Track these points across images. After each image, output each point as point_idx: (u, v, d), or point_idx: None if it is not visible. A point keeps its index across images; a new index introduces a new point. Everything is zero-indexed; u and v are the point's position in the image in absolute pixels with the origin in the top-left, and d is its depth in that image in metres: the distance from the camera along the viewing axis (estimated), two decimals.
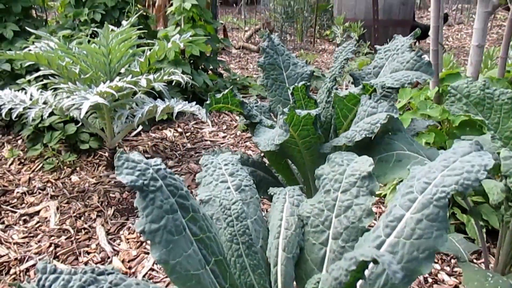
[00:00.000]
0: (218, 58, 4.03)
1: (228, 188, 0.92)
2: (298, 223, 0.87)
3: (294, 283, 0.85)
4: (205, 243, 0.75)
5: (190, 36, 2.61)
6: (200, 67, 3.82)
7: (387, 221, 0.71)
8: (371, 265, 0.72)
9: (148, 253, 2.05)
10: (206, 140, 3.24)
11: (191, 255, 0.72)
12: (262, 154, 1.45)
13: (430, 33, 2.61)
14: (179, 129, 3.40)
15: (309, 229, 0.86)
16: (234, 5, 9.18)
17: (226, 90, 1.16)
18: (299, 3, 6.35)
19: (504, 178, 0.81)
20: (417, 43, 5.95)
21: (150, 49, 2.49)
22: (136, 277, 1.88)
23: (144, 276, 1.90)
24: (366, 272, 0.73)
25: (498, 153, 0.97)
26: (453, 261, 1.82)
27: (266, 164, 1.40)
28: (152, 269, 1.95)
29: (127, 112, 2.41)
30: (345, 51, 1.34)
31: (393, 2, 5.37)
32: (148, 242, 1.95)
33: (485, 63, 3.11)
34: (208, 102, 1.17)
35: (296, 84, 1.24)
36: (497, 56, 3.10)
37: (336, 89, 1.28)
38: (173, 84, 3.39)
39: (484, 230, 1.87)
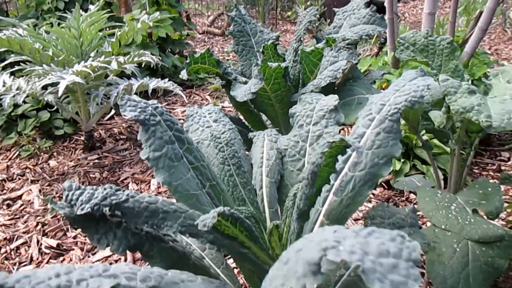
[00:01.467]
0: (184, 41, 4.11)
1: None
2: (277, 155, 1.01)
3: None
4: (200, 170, 0.87)
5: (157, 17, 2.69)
6: (167, 50, 3.89)
7: (352, 138, 0.86)
8: (341, 175, 0.87)
9: None
10: (179, 119, 3.34)
11: (189, 178, 0.84)
12: (238, 113, 1.58)
13: (386, 4, 2.78)
14: None
15: (287, 159, 1.00)
16: None
17: (203, 50, 1.28)
18: None
19: (444, 100, 0.96)
20: None
21: (119, 31, 2.56)
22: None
23: None
24: (337, 182, 0.88)
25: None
26: (412, 196, 2.03)
27: (243, 121, 1.54)
28: None
29: (102, 92, 2.48)
30: (308, 14, 1.48)
31: None
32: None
33: (437, 31, 3.32)
34: (187, 61, 1.28)
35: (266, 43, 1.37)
36: (447, 23, 3.31)
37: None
38: (143, 66, 3.46)
39: (442, 177, 2.08)
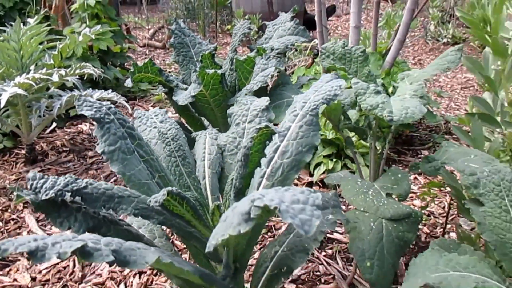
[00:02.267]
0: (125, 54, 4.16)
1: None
2: (218, 150, 1.15)
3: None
4: (150, 163, 0.99)
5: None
6: (108, 63, 3.93)
7: (280, 132, 1.02)
8: (272, 162, 1.02)
9: None
10: None
11: (141, 170, 0.96)
12: (181, 119, 1.71)
13: (316, 18, 3.02)
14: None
15: (226, 153, 1.14)
16: (135, 4, 9.17)
17: (146, 60, 1.40)
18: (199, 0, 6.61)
19: (356, 99, 1.15)
20: (311, 33, 6.49)
21: (61, 44, 2.60)
22: None
23: None
24: (269, 169, 1.03)
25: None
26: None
27: (185, 125, 1.66)
28: None
29: (44, 104, 2.51)
30: (242, 27, 1.64)
31: None
32: None
33: (363, 42, 3.62)
34: (132, 70, 1.39)
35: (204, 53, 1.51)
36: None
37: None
38: (85, 79, 3.48)
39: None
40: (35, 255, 0.57)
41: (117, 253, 0.66)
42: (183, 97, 1.35)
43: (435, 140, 2.99)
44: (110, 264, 0.64)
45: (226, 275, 0.99)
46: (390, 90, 2.32)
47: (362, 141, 2.39)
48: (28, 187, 0.82)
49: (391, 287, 1.26)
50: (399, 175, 1.36)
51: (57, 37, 2.82)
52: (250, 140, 0.82)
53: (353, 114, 1.39)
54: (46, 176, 0.82)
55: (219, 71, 1.31)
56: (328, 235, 2.05)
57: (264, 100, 1.14)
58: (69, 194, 0.81)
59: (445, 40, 6.23)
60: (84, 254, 0.61)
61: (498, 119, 1.62)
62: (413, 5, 2.54)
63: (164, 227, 1.17)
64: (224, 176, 1.13)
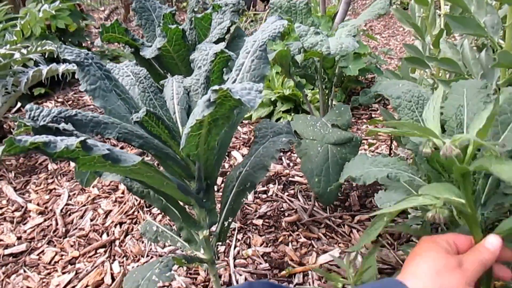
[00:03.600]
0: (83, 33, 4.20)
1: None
2: (184, 91, 1.32)
3: None
4: (126, 101, 1.16)
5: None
6: (67, 42, 3.97)
7: (235, 68, 1.20)
8: None
9: (60, 195, 2.32)
10: (89, 105, 3.49)
11: (119, 105, 1.13)
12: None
13: None
14: (60, 99, 3.58)
15: (192, 93, 1.32)
16: None
17: (113, 21, 1.54)
18: None
19: (300, 41, 1.34)
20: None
21: (22, 21, 2.66)
22: (54, 213, 2.17)
23: (61, 210, 2.19)
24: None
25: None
26: None
27: None
28: (67, 204, 2.24)
29: (11, 80, 2.59)
30: None
31: None
32: (57, 184, 2.25)
33: (315, 7, 3.83)
34: (100, 30, 1.53)
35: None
36: None
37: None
38: (46, 58, 3.53)
39: None
40: (48, 146, 0.74)
41: (111, 151, 0.84)
42: (149, 51, 1.51)
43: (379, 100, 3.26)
44: (105, 157, 0.81)
45: (199, 189, 1.18)
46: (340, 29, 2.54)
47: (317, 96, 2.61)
48: (27, 116, 0.97)
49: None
50: (342, 109, 1.58)
51: (18, 15, 2.87)
52: (210, 63, 1.01)
53: (300, 58, 1.60)
54: (41, 107, 0.98)
55: (181, 26, 1.47)
56: (290, 178, 2.27)
57: (221, 45, 1.32)
58: (63, 120, 0.97)
59: (394, 6, 6.52)
60: (85, 147, 0.78)
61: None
62: None
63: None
64: (191, 112, 1.31)
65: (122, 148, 2.67)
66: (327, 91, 1.71)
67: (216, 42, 1.49)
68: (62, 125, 0.99)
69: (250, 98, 0.72)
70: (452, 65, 1.53)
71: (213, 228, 1.29)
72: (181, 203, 1.24)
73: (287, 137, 1.32)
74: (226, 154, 2.57)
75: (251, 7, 4.53)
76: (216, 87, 0.73)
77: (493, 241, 0.73)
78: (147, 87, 1.17)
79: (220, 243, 1.34)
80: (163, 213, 2.04)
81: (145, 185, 1.19)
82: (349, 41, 1.31)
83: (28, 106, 0.98)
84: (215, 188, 2.13)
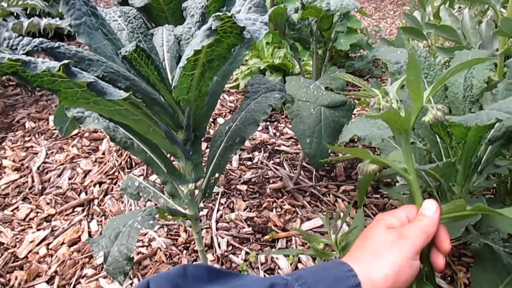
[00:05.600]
0: None
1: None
2: (175, 39, 1.26)
3: None
4: (113, 41, 1.09)
5: None
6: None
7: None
8: None
9: (37, 153, 2.24)
10: None
11: (106, 44, 1.06)
12: None
13: None
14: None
15: (183, 42, 1.25)
16: None
17: None
18: None
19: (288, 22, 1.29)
20: None
21: None
22: (30, 171, 2.08)
23: (38, 168, 2.11)
24: None
25: None
26: None
27: None
28: (44, 162, 2.16)
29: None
30: None
31: None
32: (35, 142, 2.16)
33: None
34: None
35: None
36: None
37: None
38: (28, 13, 3.39)
39: None
40: (28, 65, 0.68)
41: (96, 82, 0.78)
42: (138, 2, 1.44)
43: (373, 73, 3.22)
44: (90, 88, 0.75)
45: (187, 140, 1.12)
46: None
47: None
48: (5, 45, 0.90)
49: None
50: (337, 72, 1.54)
51: None
52: (204, 6, 0.95)
53: (296, 17, 1.54)
54: (20, 37, 0.90)
55: None
56: (276, 147, 2.23)
57: None
58: (44, 52, 0.90)
59: None
60: (68, 72, 0.72)
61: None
62: None
63: None
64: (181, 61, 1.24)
65: None
66: (321, 55, 1.66)
67: None
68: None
69: (255, 29, 0.67)
70: (451, 33, 1.49)
71: (199, 183, 1.25)
72: (167, 155, 1.19)
73: (280, 94, 1.27)
74: (212, 121, 2.51)
75: None
76: (219, 13, 0.68)
77: (429, 206, 0.68)
78: (136, 28, 1.10)
79: (204, 202, 1.29)
80: (146, 167, 1.98)
81: (130, 132, 1.13)
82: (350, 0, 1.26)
83: (6, 34, 0.91)
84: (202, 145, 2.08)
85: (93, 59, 0.96)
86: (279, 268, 1.49)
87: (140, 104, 0.91)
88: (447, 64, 1.64)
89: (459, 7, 2.19)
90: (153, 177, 2.00)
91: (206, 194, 1.26)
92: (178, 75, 0.85)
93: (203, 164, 1.23)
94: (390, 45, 1.78)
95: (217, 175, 1.25)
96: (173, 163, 1.19)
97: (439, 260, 0.68)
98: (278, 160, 2.13)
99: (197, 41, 0.72)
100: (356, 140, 1.77)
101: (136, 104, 0.92)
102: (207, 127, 2.45)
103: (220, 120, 2.53)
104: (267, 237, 1.61)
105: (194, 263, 1.54)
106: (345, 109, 1.43)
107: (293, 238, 1.62)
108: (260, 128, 2.41)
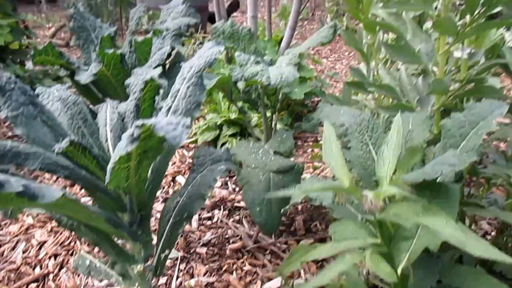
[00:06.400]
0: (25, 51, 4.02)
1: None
2: (119, 117, 1.27)
3: None
4: (53, 128, 1.09)
5: None
6: (7, 60, 3.79)
7: (170, 94, 1.17)
8: None
9: None
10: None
11: (45, 133, 1.06)
12: (86, 101, 1.79)
13: (215, 11, 3.19)
14: None
15: (126, 119, 1.27)
16: (33, 3, 8.72)
17: (46, 43, 1.47)
18: None
19: (235, 83, 1.34)
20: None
21: None
22: None
23: None
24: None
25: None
26: None
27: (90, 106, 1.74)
28: None
29: None
30: (137, 11, 1.76)
31: None
32: None
33: (262, 32, 3.88)
34: (32, 53, 1.46)
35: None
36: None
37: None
38: None
39: None
40: None
41: (26, 187, 0.77)
42: (85, 76, 1.45)
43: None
44: (21, 195, 0.74)
45: (132, 222, 1.12)
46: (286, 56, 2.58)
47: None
48: None
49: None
50: (284, 136, 1.58)
51: None
52: (140, 91, 0.97)
53: (241, 85, 1.59)
54: None
55: (119, 51, 1.42)
56: (235, 203, 2.24)
57: (158, 70, 1.28)
58: None
59: (339, 31, 6.75)
60: None
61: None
62: None
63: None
64: None
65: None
66: (270, 117, 1.70)
67: (156, 67, 1.45)
68: None
69: (175, 135, 0.69)
70: (390, 91, 1.56)
71: (149, 262, 1.23)
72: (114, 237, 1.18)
73: (226, 165, 1.29)
74: (171, 179, 2.50)
75: (200, 30, 4.53)
76: (140, 122, 0.69)
77: None
78: (75, 114, 1.11)
79: (157, 277, 1.28)
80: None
81: (73, 218, 1.12)
82: (290, 71, 1.31)
83: None
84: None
85: (30, 152, 0.96)
86: None
87: (77, 198, 0.91)
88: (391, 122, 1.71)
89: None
90: None
91: (158, 272, 1.24)
92: (110, 170, 0.85)
93: (154, 240, 1.23)
94: (336, 101, 1.84)
95: (167, 251, 1.24)
96: (123, 243, 1.18)
97: None
98: (237, 217, 2.13)
99: (122, 145, 0.73)
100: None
101: (72, 199, 0.92)
102: (168, 187, 2.45)
103: (180, 178, 2.52)
104: None
105: None
106: (294, 173, 1.46)
107: None
108: (219, 184, 2.41)
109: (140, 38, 1.58)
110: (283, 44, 3.00)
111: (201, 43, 4.56)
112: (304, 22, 8.17)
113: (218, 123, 2.65)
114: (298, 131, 2.96)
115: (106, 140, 1.20)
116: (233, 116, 2.60)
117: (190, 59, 1.21)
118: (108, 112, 1.28)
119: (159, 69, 1.28)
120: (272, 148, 1.54)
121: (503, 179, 1.38)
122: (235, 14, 7.85)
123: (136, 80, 1.29)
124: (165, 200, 2.28)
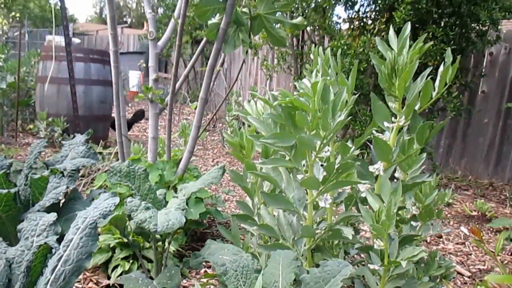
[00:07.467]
0: None
1: None
2: (6, 263, 1.29)
3: None
4: None
5: None
6: None
7: (63, 243, 1.24)
8: (56, 270, 1.22)
9: None
10: None
11: None
12: None
13: (116, 127, 3.33)
14: None
15: (15, 265, 1.29)
16: None
17: None
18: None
19: (129, 217, 1.45)
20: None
21: None
22: None
23: None
24: (53, 276, 1.22)
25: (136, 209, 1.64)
26: None
27: None
28: None
29: None
30: (38, 146, 1.83)
31: (93, 100, 6.08)
32: None
33: (162, 150, 4.06)
34: None
35: None
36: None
37: (34, 174, 1.75)
38: None
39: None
40: None
41: None
42: None
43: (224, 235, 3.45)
44: None
45: None
46: (179, 194, 2.71)
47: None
48: None
49: None
50: (173, 271, 1.67)
51: None
52: (32, 254, 1.03)
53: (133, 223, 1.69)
54: None
55: (12, 190, 1.47)
56: None
57: (52, 216, 1.35)
58: None
59: (227, 170, 7.23)
60: None
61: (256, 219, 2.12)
62: (198, 122, 3.07)
63: None
64: (12, 286, 1.26)
65: None
66: (161, 251, 1.80)
67: (50, 206, 1.51)
68: None
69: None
70: (270, 230, 1.77)
71: None
72: None
73: None
74: None
75: (101, 141, 4.60)
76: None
77: None
78: None
79: None
80: None
81: None
82: (177, 217, 1.45)
83: None
84: None
85: None
86: None
87: None
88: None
89: None
90: None
91: None
92: None
93: None
94: (226, 233, 2.00)
95: None
96: None
97: None
98: None
99: None
100: None
101: None
102: None
103: None
104: None
105: None
106: None
107: None
108: None
109: (36, 175, 1.64)
110: (181, 165, 3.19)
111: (100, 153, 4.60)
112: (206, 134, 8.60)
113: (111, 245, 2.64)
114: (187, 266, 3.03)
115: None
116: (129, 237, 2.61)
117: (87, 209, 1.30)
118: None
119: (54, 215, 1.35)
120: (160, 284, 1.62)
121: None
122: (142, 122, 8.01)
123: (30, 225, 1.34)
124: None
